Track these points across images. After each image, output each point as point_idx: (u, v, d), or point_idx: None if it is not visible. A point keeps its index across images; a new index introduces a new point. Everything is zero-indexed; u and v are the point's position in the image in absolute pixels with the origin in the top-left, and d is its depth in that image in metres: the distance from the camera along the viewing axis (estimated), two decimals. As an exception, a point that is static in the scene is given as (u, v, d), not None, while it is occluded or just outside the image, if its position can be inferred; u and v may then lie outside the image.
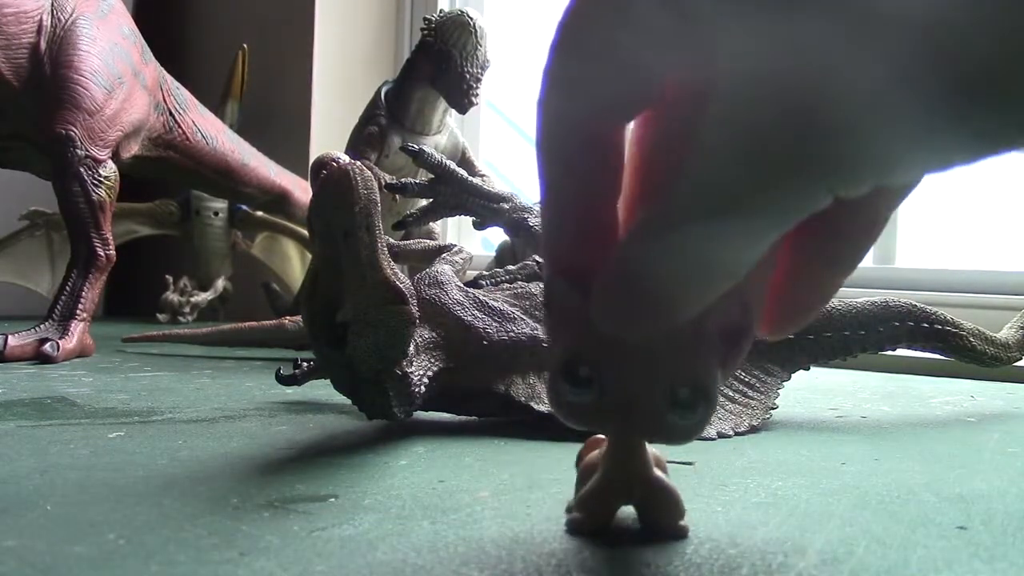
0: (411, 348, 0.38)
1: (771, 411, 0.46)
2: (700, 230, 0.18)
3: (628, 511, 0.25)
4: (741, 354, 0.22)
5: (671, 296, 0.19)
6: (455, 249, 0.53)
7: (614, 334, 0.20)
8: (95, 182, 0.77)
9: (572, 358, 0.21)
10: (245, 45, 1.30)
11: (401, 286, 0.35)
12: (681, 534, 0.24)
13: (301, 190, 1.10)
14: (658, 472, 0.24)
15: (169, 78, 0.92)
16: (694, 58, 0.18)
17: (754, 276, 0.19)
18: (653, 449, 0.25)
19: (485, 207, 0.55)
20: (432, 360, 0.41)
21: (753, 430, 0.44)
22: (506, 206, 0.54)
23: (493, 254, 0.80)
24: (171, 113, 0.91)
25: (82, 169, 0.77)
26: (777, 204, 0.17)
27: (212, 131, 0.97)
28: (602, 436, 0.28)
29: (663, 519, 0.24)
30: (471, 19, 0.76)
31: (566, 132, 0.21)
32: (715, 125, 0.17)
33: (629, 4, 0.18)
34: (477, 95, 0.77)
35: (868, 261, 1.02)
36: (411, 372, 0.39)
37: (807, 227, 0.21)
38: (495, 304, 0.44)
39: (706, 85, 0.18)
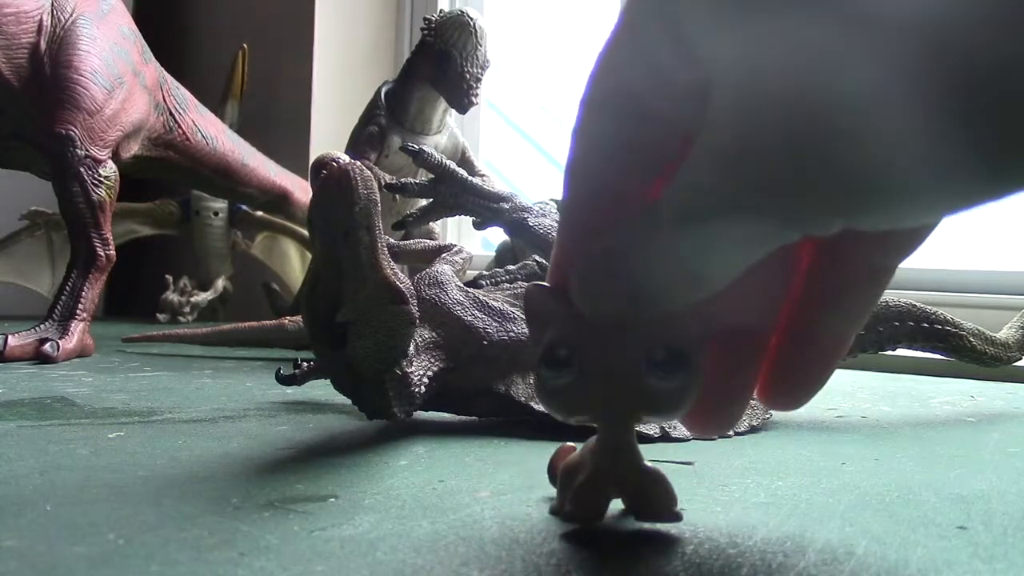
0: (411, 348, 0.38)
1: (771, 411, 0.46)
2: (678, 235, 0.18)
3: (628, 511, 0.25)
4: (713, 409, 0.23)
5: (646, 290, 0.19)
6: (455, 249, 0.53)
7: (591, 315, 0.21)
8: (95, 182, 0.77)
9: (550, 344, 0.22)
10: (245, 45, 1.30)
11: (401, 286, 0.35)
12: (676, 519, 0.24)
13: (301, 190, 1.10)
14: (647, 462, 0.24)
15: (169, 78, 0.92)
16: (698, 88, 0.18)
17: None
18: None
19: (485, 207, 0.55)
20: (432, 360, 0.41)
21: (753, 430, 0.44)
22: (506, 206, 0.54)
23: (493, 254, 0.80)
24: (171, 113, 0.91)
25: (82, 169, 0.77)
26: (756, 221, 0.17)
27: (212, 131, 0.97)
28: (572, 445, 0.28)
29: (657, 505, 0.24)
30: (471, 19, 0.76)
31: (597, 193, 0.21)
32: (707, 136, 0.17)
33: (648, 54, 0.19)
34: (477, 95, 0.77)
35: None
36: (411, 372, 0.39)
37: (812, 280, 0.21)
38: (495, 304, 0.44)
39: (699, 96, 0.18)
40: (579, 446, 0.26)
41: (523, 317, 0.45)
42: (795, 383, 0.23)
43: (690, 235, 0.18)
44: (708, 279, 0.19)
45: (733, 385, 0.23)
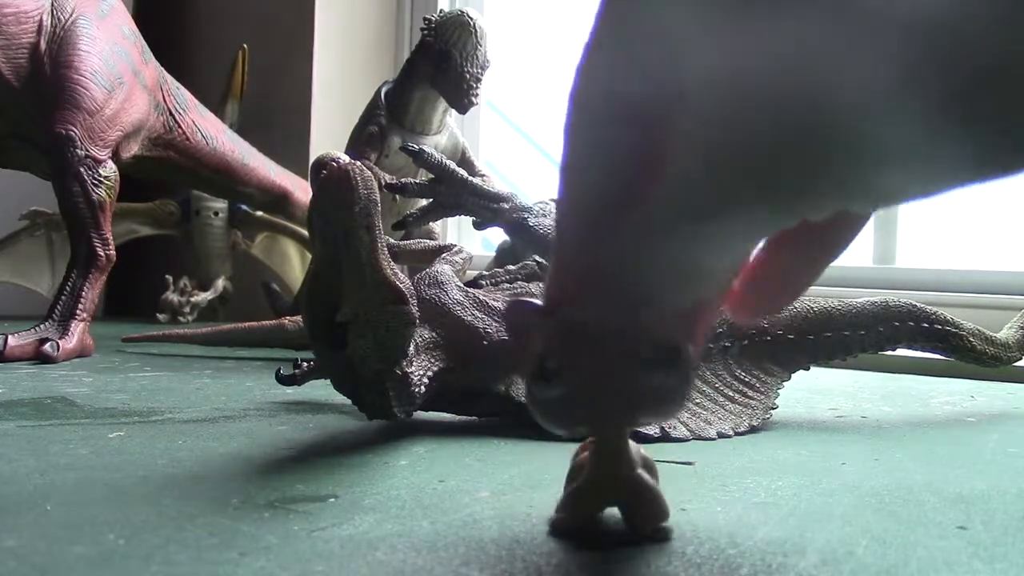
0: (411, 348, 0.38)
1: (771, 411, 0.46)
2: (670, 235, 0.18)
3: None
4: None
5: (646, 294, 0.19)
6: (455, 249, 0.53)
7: (586, 325, 0.20)
8: (95, 182, 0.77)
9: (539, 357, 0.21)
10: (245, 45, 1.30)
11: (401, 286, 0.35)
12: (662, 536, 0.24)
13: (301, 190, 1.10)
14: (643, 473, 0.24)
15: (169, 78, 0.92)
16: (670, 67, 0.18)
17: None
18: (643, 451, 0.25)
19: (485, 207, 0.55)
20: (432, 360, 0.41)
21: (753, 430, 0.44)
22: (506, 206, 0.54)
23: (493, 254, 0.80)
24: (171, 113, 0.91)
25: (82, 169, 0.77)
26: (742, 217, 0.17)
27: (212, 131, 0.97)
28: None
29: (645, 521, 0.24)
30: (471, 19, 0.76)
31: (589, 196, 0.20)
32: (690, 134, 0.17)
33: (629, 52, 0.18)
34: (477, 95, 0.77)
35: (868, 261, 1.02)
36: (411, 372, 0.39)
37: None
38: (495, 304, 0.44)
39: (680, 95, 0.17)
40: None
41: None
42: (766, 305, 0.22)
43: (689, 234, 0.18)
44: (712, 274, 0.19)
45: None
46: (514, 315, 0.22)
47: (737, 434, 0.43)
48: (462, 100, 0.77)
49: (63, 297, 0.76)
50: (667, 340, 0.20)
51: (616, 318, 0.20)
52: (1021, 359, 0.57)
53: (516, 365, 0.43)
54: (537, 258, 0.51)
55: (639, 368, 0.20)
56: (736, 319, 0.23)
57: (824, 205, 0.17)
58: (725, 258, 0.18)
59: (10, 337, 0.70)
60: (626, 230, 0.19)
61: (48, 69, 0.77)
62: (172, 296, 1.30)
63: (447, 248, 0.53)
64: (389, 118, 0.80)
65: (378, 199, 0.35)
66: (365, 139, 0.80)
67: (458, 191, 0.55)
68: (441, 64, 0.77)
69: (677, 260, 0.18)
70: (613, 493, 0.24)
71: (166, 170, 0.96)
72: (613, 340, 0.20)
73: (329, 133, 1.31)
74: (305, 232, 1.10)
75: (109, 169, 0.79)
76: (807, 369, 0.50)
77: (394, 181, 0.58)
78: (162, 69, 0.90)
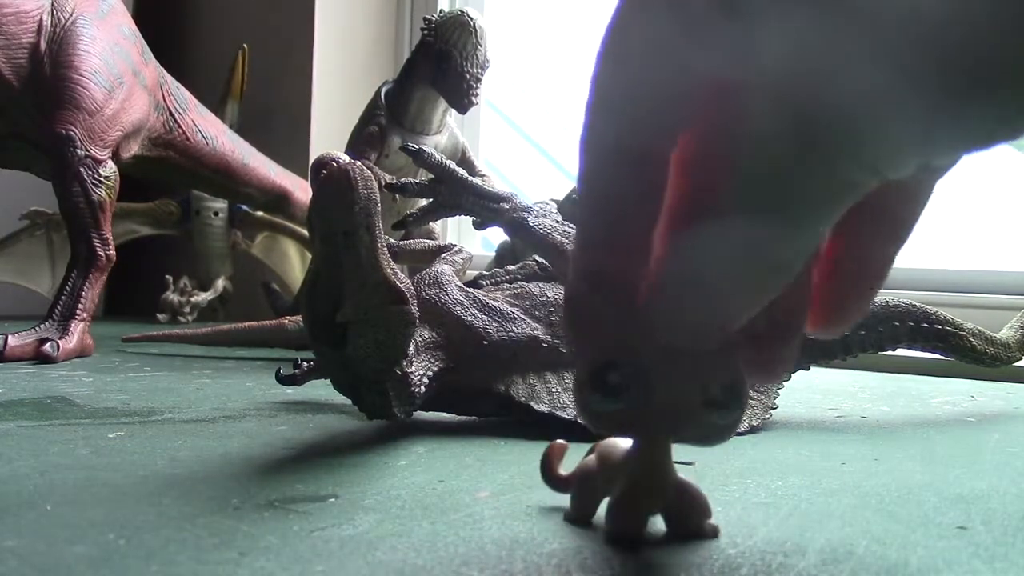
0: (411, 348, 0.38)
1: (771, 411, 0.46)
2: (751, 226, 0.18)
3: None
4: (773, 358, 0.21)
5: (730, 298, 0.19)
6: (455, 249, 0.53)
7: (668, 341, 0.19)
8: (95, 182, 0.77)
9: (601, 367, 0.20)
10: (245, 45, 1.30)
11: (401, 286, 0.35)
12: (711, 534, 0.24)
13: (301, 190, 1.10)
14: (684, 476, 0.24)
15: (169, 78, 0.92)
16: (738, 55, 0.18)
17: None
18: None
19: (485, 207, 0.54)
20: (432, 360, 0.41)
21: (753, 430, 0.44)
22: (506, 206, 0.54)
23: (493, 254, 0.80)
24: (171, 113, 0.91)
25: (82, 169, 0.77)
26: (820, 192, 0.17)
27: (212, 131, 0.97)
28: (563, 442, 0.28)
29: (693, 521, 0.24)
30: (471, 19, 0.76)
31: (615, 143, 0.20)
32: (759, 119, 0.17)
33: (682, 3, 0.18)
34: (477, 95, 0.77)
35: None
36: (411, 372, 0.39)
37: (855, 208, 0.21)
38: (495, 304, 0.44)
39: (746, 82, 0.17)
40: (573, 445, 0.26)
41: (523, 317, 0.44)
42: (845, 311, 0.22)
43: (776, 216, 0.17)
44: (786, 264, 0.18)
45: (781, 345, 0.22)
46: (585, 305, 0.21)
47: (737, 434, 0.43)
48: (462, 100, 0.77)
49: (63, 297, 0.76)
50: (735, 381, 0.21)
51: (711, 339, 0.19)
52: (1021, 359, 0.57)
53: (518, 363, 0.43)
54: (537, 258, 0.51)
55: (708, 408, 0.21)
56: (818, 332, 0.22)
57: (904, 159, 0.17)
58: (803, 244, 0.18)
59: (10, 337, 0.70)
60: (710, 237, 0.18)
61: (48, 69, 0.77)
62: (172, 296, 1.30)
63: (447, 248, 0.53)
64: (389, 118, 0.80)
65: (378, 199, 0.35)
66: (365, 139, 0.80)
67: (458, 191, 0.55)
68: (441, 64, 0.77)
69: (751, 254, 0.18)
70: (660, 497, 0.24)
71: (166, 170, 0.96)
72: (690, 372, 0.20)
73: (329, 133, 1.31)
74: (305, 232, 1.10)
75: (109, 169, 0.79)
76: (807, 369, 0.50)
77: (394, 181, 0.58)
78: (162, 69, 0.90)
